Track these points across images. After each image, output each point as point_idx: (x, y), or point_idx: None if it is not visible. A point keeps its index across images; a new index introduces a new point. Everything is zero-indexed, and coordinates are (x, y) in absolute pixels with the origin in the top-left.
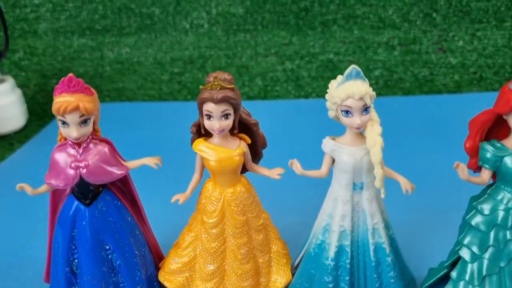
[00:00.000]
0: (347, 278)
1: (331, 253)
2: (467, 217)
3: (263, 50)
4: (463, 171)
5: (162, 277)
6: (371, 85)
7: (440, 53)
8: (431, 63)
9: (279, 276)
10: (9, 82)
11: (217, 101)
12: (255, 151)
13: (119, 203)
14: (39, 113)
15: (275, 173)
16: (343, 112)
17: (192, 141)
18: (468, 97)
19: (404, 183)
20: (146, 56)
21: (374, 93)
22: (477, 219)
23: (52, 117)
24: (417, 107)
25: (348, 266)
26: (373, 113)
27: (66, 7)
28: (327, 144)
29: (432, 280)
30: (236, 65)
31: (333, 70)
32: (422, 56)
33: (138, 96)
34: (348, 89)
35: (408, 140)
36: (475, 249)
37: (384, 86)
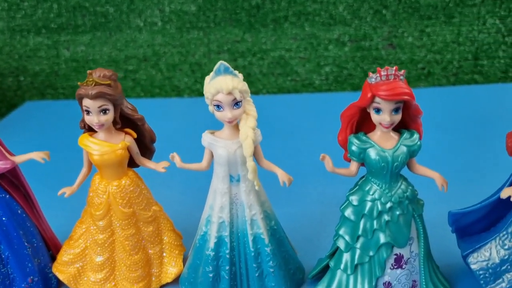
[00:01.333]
0: (227, 267)
1: (211, 243)
2: (341, 208)
3: (216, 47)
4: (328, 163)
5: (55, 268)
6: (321, 81)
7: (390, 49)
8: (380, 59)
9: (171, 267)
10: None
11: (92, 97)
12: (144, 145)
13: (7, 196)
14: None
15: (160, 166)
16: (215, 107)
17: None
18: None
19: (282, 175)
20: (101, 54)
21: (246, 88)
22: (348, 210)
23: (4, 114)
24: None
25: (228, 256)
26: (249, 107)
27: (21, 6)
28: (205, 138)
29: (317, 270)
30: (189, 62)
31: (284, 66)
32: (372, 52)
33: None
34: (217, 84)
35: None
36: (348, 238)
37: (334, 82)
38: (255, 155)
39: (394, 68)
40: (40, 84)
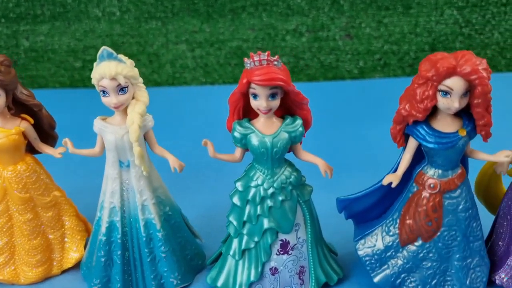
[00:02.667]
0: (119, 252)
1: (103, 228)
2: (230, 194)
3: (174, 37)
4: (209, 148)
5: None
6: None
7: (347, 39)
8: (338, 50)
9: (72, 252)
10: None
11: None
12: (45, 132)
13: None
14: None
15: (57, 152)
16: (101, 92)
17: None
18: (371, 83)
19: (173, 162)
20: (60, 44)
21: (132, 73)
22: (236, 196)
23: None
24: (321, 92)
25: (119, 241)
26: (139, 93)
27: None
28: (96, 124)
29: (213, 256)
30: (147, 52)
31: (241, 57)
32: (329, 43)
33: (50, 83)
34: (101, 69)
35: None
36: (236, 224)
37: (290, 72)
38: (147, 141)
39: (267, 53)
40: None
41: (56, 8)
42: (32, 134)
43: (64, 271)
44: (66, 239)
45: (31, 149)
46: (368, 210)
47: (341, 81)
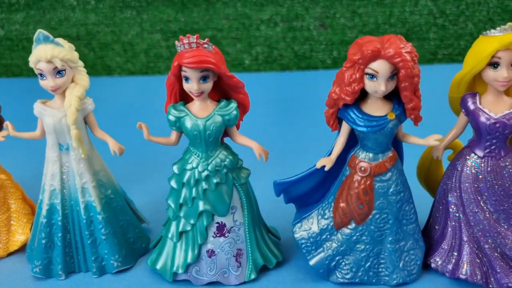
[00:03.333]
0: (60, 234)
1: (44, 211)
2: (168, 178)
3: (148, 27)
4: (144, 131)
5: None
6: (251, 60)
7: (321, 29)
8: (312, 40)
9: (18, 234)
10: None
11: None
12: None
13: None
14: None
15: (0, 135)
16: (39, 75)
17: None
18: None
19: (113, 145)
20: (34, 33)
21: (70, 57)
22: (173, 179)
23: None
24: (293, 82)
25: (60, 223)
26: (79, 76)
27: None
28: (36, 107)
29: (156, 239)
30: (122, 41)
31: (216, 46)
32: (303, 33)
33: (24, 72)
34: (37, 53)
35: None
36: (174, 207)
37: (264, 62)
38: (88, 124)
39: (196, 36)
40: None
41: None
42: None
43: (10, 254)
44: (12, 222)
45: None
46: (308, 194)
47: (314, 71)
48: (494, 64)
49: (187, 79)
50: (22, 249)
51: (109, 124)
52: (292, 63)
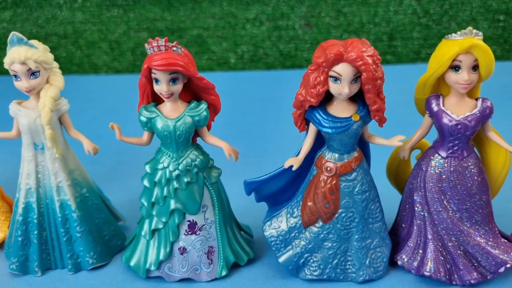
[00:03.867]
0: (36, 232)
1: (20, 209)
2: (141, 177)
3: (135, 25)
4: (116, 131)
5: None
6: (237, 59)
7: (306, 28)
8: (297, 39)
9: None
10: None
11: None
12: None
13: None
14: None
15: None
16: (13, 77)
17: None
18: None
19: (87, 145)
20: (21, 31)
21: (44, 58)
22: (146, 179)
23: None
24: (278, 80)
25: (36, 221)
26: (54, 77)
27: None
28: (11, 107)
29: (131, 237)
30: (108, 40)
31: (202, 45)
32: (289, 32)
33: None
34: (11, 54)
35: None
36: (146, 205)
37: (249, 61)
38: (63, 124)
39: (164, 39)
40: None
41: None
42: None
43: None
44: None
45: None
46: (279, 192)
47: (299, 69)
48: (455, 67)
49: (157, 81)
50: (0, 246)
51: (95, 121)
52: (277, 62)
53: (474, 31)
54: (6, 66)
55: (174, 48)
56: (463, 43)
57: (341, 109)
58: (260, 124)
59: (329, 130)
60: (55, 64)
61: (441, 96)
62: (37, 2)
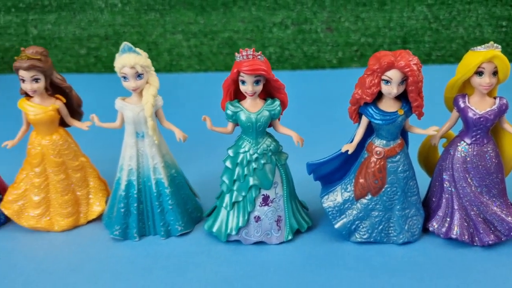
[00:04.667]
0: (135, 205)
1: (122, 186)
2: (223, 160)
3: (171, 28)
4: (207, 122)
5: (2, 206)
6: None
7: (328, 32)
8: (319, 42)
9: (96, 206)
10: None
11: (25, 68)
12: (73, 109)
13: None
14: None
15: (84, 125)
16: (122, 78)
17: None
18: (348, 72)
19: (178, 133)
20: (66, 32)
21: (147, 63)
22: (228, 161)
23: None
24: (303, 80)
25: (135, 196)
26: (152, 79)
27: None
28: (117, 103)
29: (209, 210)
30: (146, 41)
31: (232, 46)
32: (312, 35)
33: (57, 68)
34: (123, 60)
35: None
36: (227, 182)
37: (276, 62)
38: (157, 116)
39: (252, 49)
40: (10, 59)
41: (63, 0)
42: (64, 111)
43: (89, 222)
44: (90, 196)
45: (62, 123)
46: (332, 173)
47: (321, 70)
48: (479, 73)
49: (243, 82)
50: (98, 218)
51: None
52: (302, 62)
53: (495, 45)
54: (116, 69)
55: (259, 57)
56: (487, 54)
57: (389, 105)
58: (292, 119)
59: (380, 122)
60: (152, 68)
61: (466, 95)
62: (80, 6)
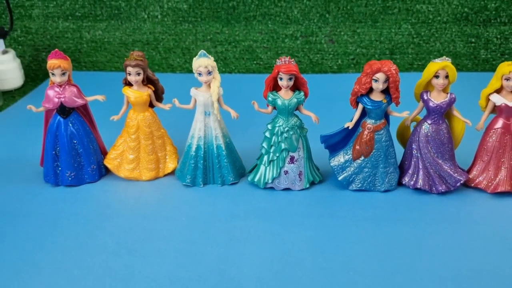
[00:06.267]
0: (202, 162)
1: (193, 148)
2: (263, 132)
3: (201, 36)
4: (255, 105)
5: (105, 161)
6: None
7: (330, 43)
8: (323, 51)
9: (170, 164)
10: (11, 53)
11: (132, 66)
12: (158, 95)
13: (81, 118)
14: (33, 77)
15: (167, 106)
16: (197, 74)
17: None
18: (346, 76)
19: (232, 112)
20: (114, 38)
21: (214, 64)
22: (267, 132)
23: (42, 79)
24: (309, 82)
25: (202, 155)
26: (216, 75)
27: None
28: (192, 91)
29: (251, 167)
30: (181, 47)
31: (252, 53)
32: (317, 46)
33: (107, 67)
34: (200, 61)
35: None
36: (266, 146)
37: None
38: (219, 101)
39: (288, 57)
40: None
41: (112, 10)
42: (153, 96)
43: (165, 175)
44: (167, 157)
45: (150, 105)
46: (337, 143)
47: (324, 74)
48: (436, 76)
49: (281, 79)
50: (171, 173)
51: (176, 109)
52: (308, 67)
53: (446, 58)
54: (194, 68)
55: (292, 62)
56: (441, 64)
57: (376, 96)
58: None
59: (371, 107)
60: (216, 67)
61: (428, 91)
62: (126, 16)
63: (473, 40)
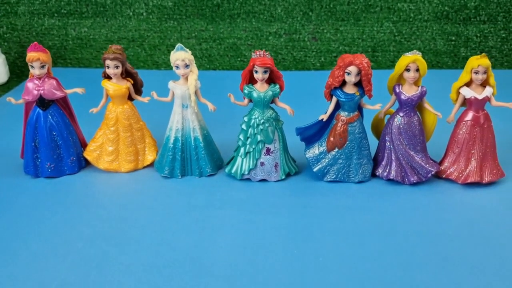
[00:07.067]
0: (180, 153)
1: (171, 140)
2: (240, 124)
3: (186, 34)
4: (231, 98)
5: (85, 153)
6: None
7: (313, 41)
8: (306, 48)
9: (149, 156)
10: None
11: (111, 59)
12: (137, 88)
13: (60, 111)
14: (18, 73)
15: (145, 99)
16: (175, 67)
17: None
18: (328, 74)
19: (210, 106)
20: (99, 35)
21: (191, 58)
22: (243, 124)
23: (27, 76)
24: (293, 79)
25: (180, 147)
26: (193, 68)
27: None
28: (170, 84)
29: (228, 159)
30: (166, 44)
31: (236, 50)
32: (300, 43)
33: (92, 64)
34: (177, 55)
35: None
36: (242, 138)
37: None
38: (196, 94)
39: (263, 51)
40: (53, 56)
41: (98, 8)
42: (131, 89)
43: (144, 167)
44: (146, 149)
45: (129, 98)
46: (312, 136)
47: (307, 71)
48: (407, 70)
49: (256, 71)
50: (150, 164)
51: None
52: (292, 64)
53: (417, 52)
54: (171, 61)
55: (267, 55)
56: (412, 57)
57: (350, 89)
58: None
59: (344, 100)
60: (193, 61)
61: (400, 84)
62: (112, 13)
63: (453, 38)
